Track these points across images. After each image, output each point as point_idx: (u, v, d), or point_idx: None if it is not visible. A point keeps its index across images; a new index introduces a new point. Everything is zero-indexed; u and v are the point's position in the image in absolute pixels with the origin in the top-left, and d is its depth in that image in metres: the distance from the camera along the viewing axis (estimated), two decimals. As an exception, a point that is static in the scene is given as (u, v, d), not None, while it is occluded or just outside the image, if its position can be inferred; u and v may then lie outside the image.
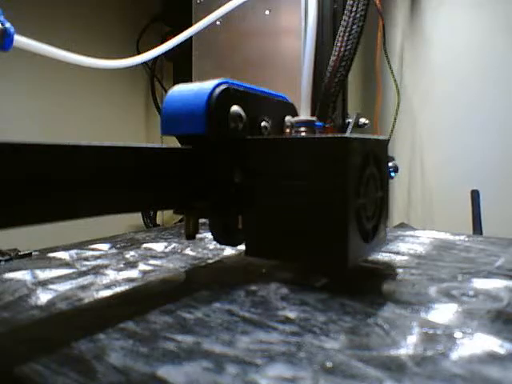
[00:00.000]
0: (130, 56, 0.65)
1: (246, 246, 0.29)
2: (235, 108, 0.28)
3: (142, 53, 0.74)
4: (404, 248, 0.37)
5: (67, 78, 0.83)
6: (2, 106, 0.75)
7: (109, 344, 0.19)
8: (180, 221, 0.92)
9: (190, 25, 0.79)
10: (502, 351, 0.18)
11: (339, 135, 0.26)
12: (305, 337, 0.20)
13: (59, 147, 0.21)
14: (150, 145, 0.26)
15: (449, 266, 0.31)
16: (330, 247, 0.26)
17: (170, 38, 0.93)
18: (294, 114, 0.36)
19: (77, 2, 0.85)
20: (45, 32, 0.80)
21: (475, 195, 0.64)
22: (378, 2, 0.74)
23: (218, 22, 0.77)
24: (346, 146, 0.25)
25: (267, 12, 0.73)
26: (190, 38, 0.77)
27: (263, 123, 0.31)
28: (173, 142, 0.30)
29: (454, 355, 0.18)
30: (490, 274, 0.30)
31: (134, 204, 0.26)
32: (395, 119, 0.78)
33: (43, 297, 0.26)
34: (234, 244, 0.32)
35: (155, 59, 0.99)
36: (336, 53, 0.64)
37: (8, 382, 0.18)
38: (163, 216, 1.07)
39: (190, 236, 0.30)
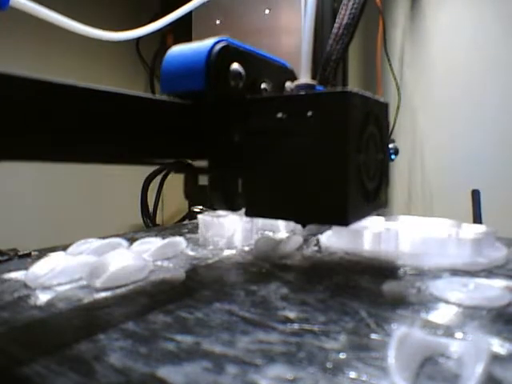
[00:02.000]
0: (130, 56, 0.65)
1: (245, 206, 0.29)
2: (235, 66, 0.28)
3: (142, 53, 0.74)
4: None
5: (66, 77, 0.83)
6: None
7: (108, 344, 0.19)
8: (180, 221, 0.92)
9: (189, 24, 0.79)
10: (502, 351, 0.18)
11: (340, 89, 0.26)
12: (305, 337, 0.20)
13: (58, 85, 0.20)
14: (150, 95, 0.25)
15: (449, 265, 0.31)
16: (330, 204, 0.25)
17: (170, 37, 0.93)
18: (295, 80, 0.35)
19: (76, 1, 0.85)
20: (44, 34, 0.80)
21: (476, 195, 0.63)
22: (378, 1, 0.74)
23: (217, 21, 0.77)
24: (347, 99, 0.25)
25: (267, 11, 0.73)
26: (190, 37, 0.77)
27: (263, 85, 0.31)
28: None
29: (455, 355, 0.18)
30: (490, 274, 0.30)
31: (131, 153, 0.25)
32: (395, 119, 0.78)
33: (43, 297, 0.26)
34: (233, 209, 0.31)
35: (155, 58, 0.98)
36: (339, 20, 0.64)
37: (8, 383, 0.18)
38: (163, 216, 1.07)
39: (189, 196, 0.30)
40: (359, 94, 0.26)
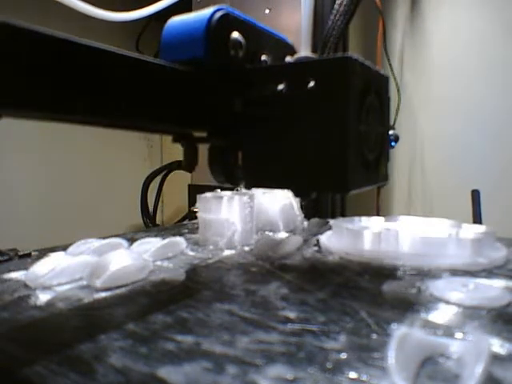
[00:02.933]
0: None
1: (245, 178, 0.29)
2: (235, 35, 0.28)
3: (142, 53, 0.73)
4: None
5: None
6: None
7: (109, 344, 0.19)
8: (180, 221, 0.92)
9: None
10: (502, 351, 0.18)
11: (340, 55, 0.26)
12: (305, 337, 0.20)
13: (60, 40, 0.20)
14: (151, 58, 0.25)
15: (449, 265, 0.31)
16: (330, 170, 0.25)
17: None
18: (295, 54, 0.35)
19: None
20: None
21: (476, 195, 0.63)
22: (378, 1, 0.74)
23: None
24: (347, 64, 0.25)
25: (267, 11, 0.73)
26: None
27: (263, 57, 0.31)
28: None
29: (455, 355, 0.18)
30: (490, 274, 0.30)
31: (128, 116, 0.24)
32: (395, 119, 0.78)
33: (43, 297, 0.26)
34: (233, 182, 0.31)
35: (155, 58, 0.98)
36: None
37: (8, 383, 0.18)
38: (163, 216, 1.07)
39: (189, 167, 0.30)
40: (360, 61, 0.26)
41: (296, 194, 0.29)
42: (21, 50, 0.18)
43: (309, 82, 0.25)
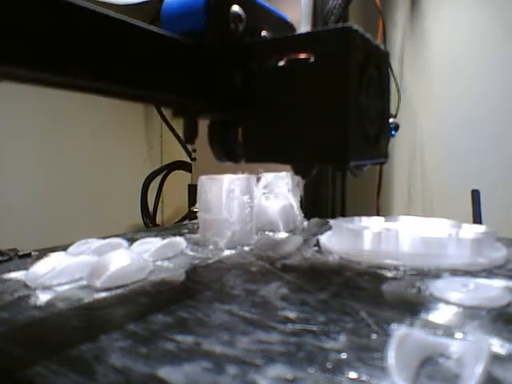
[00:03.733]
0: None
1: (245, 152, 0.29)
2: (235, 8, 0.28)
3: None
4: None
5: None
6: (1, 102, 0.75)
7: (109, 344, 0.19)
8: (180, 221, 0.92)
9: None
10: (502, 351, 0.18)
11: (340, 25, 0.26)
12: (305, 337, 0.20)
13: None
14: (151, 26, 0.25)
15: (449, 265, 0.31)
16: (330, 141, 0.25)
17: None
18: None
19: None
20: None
21: (475, 195, 0.63)
22: (378, 1, 0.74)
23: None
24: (347, 35, 0.25)
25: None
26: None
27: (263, 33, 0.30)
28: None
29: (455, 355, 0.18)
30: (490, 274, 0.30)
31: (124, 84, 0.24)
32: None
33: (43, 297, 0.26)
34: (234, 159, 0.31)
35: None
36: None
37: (8, 383, 0.18)
38: (163, 216, 1.07)
39: (189, 139, 0.30)
40: (360, 32, 0.26)
41: (296, 172, 0.29)
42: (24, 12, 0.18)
43: (309, 53, 0.26)
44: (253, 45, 0.28)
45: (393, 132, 0.62)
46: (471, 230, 0.38)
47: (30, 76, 0.21)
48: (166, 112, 1.00)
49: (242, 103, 0.28)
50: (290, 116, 0.26)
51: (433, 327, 0.21)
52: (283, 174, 0.49)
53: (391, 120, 0.61)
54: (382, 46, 0.30)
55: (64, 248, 0.36)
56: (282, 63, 0.27)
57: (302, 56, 0.26)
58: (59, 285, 0.28)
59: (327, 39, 0.25)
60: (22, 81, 0.21)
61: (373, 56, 0.27)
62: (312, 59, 0.25)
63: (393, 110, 0.79)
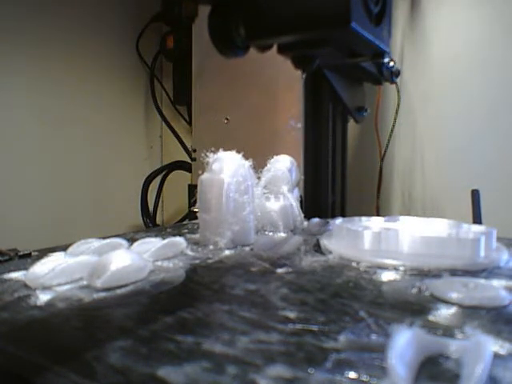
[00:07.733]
0: (130, 56, 0.65)
1: (247, 34, 0.29)
2: None
3: (142, 53, 0.74)
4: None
5: (66, 79, 0.83)
6: (2, 102, 0.75)
7: (109, 344, 0.19)
8: (180, 221, 0.92)
9: (190, 26, 0.79)
10: (502, 351, 0.18)
11: None
12: (305, 337, 0.20)
13: None
14: None
15: (449, 265, 0.31)
16: (332, 6, 0.26)
17: (170, 39, 0.93)
18: None
19: (76, 1, 0.85)
20: (44, 34, 0.80)
21: (476, 195, 0.63)
22: (378, 1, 0.74)
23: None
24: None
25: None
26: (191, 39, 0.77)
27: None
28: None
29: (455, 355, 0.18)
30: (490, 274, 0.30)
31: None
32: (395, 119, 0.78)
33: (43, 297, 0.26)
34: (236, 51, 0.30)
35: (155, 59, 0.98)
36: None
37: (8, 383, 0.18)
38: (163, 216, 1.07)
39: (189, 18, 0.30)
40: None
41: (296, 65, 0.29)
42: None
43: None
44: None
45: (393, 78, 0.62)
46: (471, 230, 0.38)
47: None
48: (166, 112, 1.00)
49: None
50: None
51: (433, 327, 0.21)
52: (283, 170, 0.49)
53: (391, 63, 0.61)
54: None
55: (64, 248, 0.36)
56: None
57: None
58: (59, 285, 0.28)
59: None
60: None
61: None
62: None
63: (393, 110, 0.79)
